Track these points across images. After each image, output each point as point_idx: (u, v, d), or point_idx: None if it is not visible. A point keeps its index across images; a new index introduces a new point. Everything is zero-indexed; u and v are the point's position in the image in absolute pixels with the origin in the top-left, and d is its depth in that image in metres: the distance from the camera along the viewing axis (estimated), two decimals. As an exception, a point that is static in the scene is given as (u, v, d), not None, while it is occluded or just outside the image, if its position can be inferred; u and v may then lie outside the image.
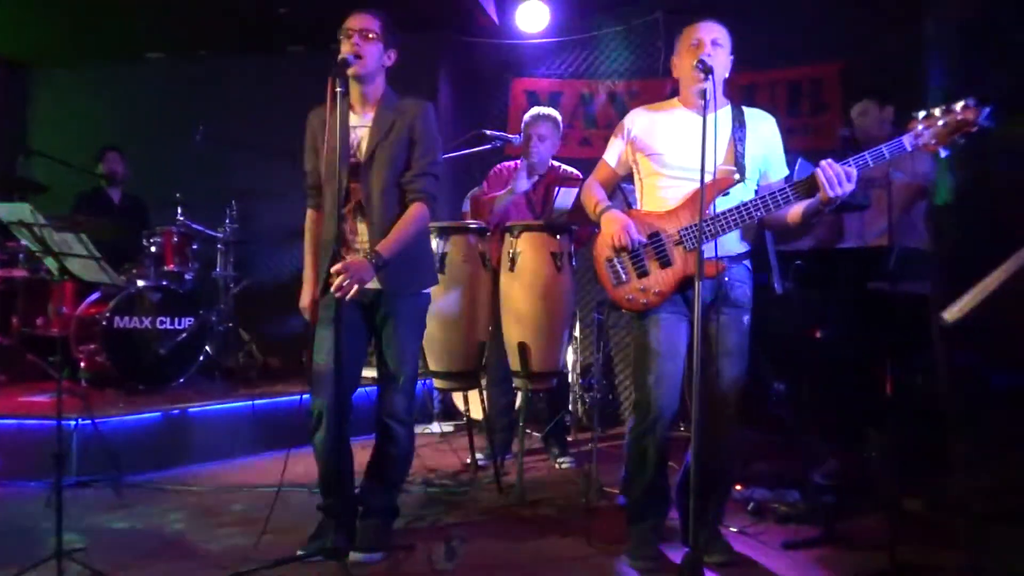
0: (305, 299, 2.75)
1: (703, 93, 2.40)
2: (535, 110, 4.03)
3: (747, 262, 2.62)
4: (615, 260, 2.56)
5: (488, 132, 4.07)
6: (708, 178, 2.31)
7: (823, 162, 2.33)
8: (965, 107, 2.22)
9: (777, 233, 3.09)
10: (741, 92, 4.97)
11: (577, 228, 3.67)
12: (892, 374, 2.94)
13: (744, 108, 2.62)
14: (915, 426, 3.04)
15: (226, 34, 5.79)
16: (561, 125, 4.03)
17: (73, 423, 3.52)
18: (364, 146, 2.63)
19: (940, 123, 2.24)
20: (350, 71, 2.57)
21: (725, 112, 2.57)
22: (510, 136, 4.09)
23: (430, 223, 2.80)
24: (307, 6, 5.01)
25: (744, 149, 2.53)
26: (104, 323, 4.33)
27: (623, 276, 2.56)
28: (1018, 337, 2.84)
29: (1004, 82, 3.27)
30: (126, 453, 3.62)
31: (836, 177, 2.30)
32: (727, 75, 2.58)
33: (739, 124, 2.56)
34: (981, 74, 3.57)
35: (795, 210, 2.51)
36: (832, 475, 3.45)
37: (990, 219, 3.37)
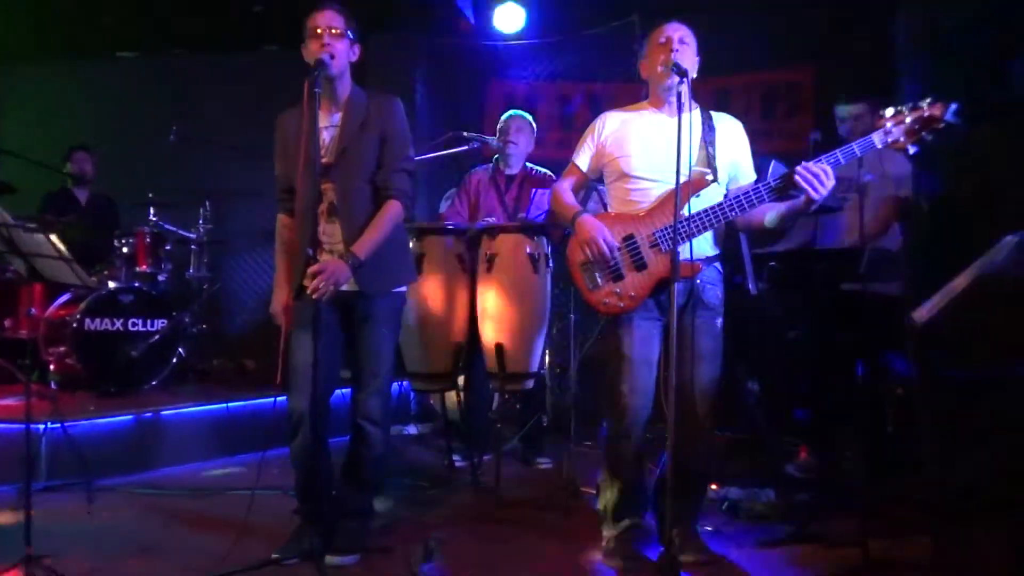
0: (276, 304, 2.72)
1: (672, 91, 2.44)
2: (509, 112, 4.09)
3: (718, 264, 2.64)
4: (590, 264, 2.57)
5: (465, 134, 4.09)
6: (682, 179, 2.33)
7: (798, 167, 2.34)
8: (932, 103, 2.27)
9: (753, 236, 3.12)
10: (717, 96, 5.03)
11: (553, 229, 3.68)
12: (864, 373, 2.99)
13: (712, 112, 2.65)
14: (886, 424, 3.10)
15: (199, 33, 5.73)
16: (535, 128, 4.08)
17: (42, 427, 3.46)
18: (334, 146, 2.60)
19: (908, 119, 2.28)
20: (324, 70, 2.55)
21: (695, 115, 2.60)
22: (487, 138, 4.11)
23: (407, 223, 2.79)
24: (282, 4, 4.98)
25: (715, 151, 2.55)
26: (75, 325, 4.27)
27: (598, 280, 2.56)
28: (984, 337, 2.89)
29: (969, 86, 3.35)
30: (97, 457, 3.56)
31: (815, 178, 2.31)
32: (694, 75, 2.60)
33: (709, 127, 2.59)
34: (948, 78, 3.65)
35: (772, 211, 2.52)
36: (805, 468, 3.50)
37: (957, 222, 3.44)
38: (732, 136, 2.63)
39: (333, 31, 2.55)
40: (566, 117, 5.52)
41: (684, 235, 2.43)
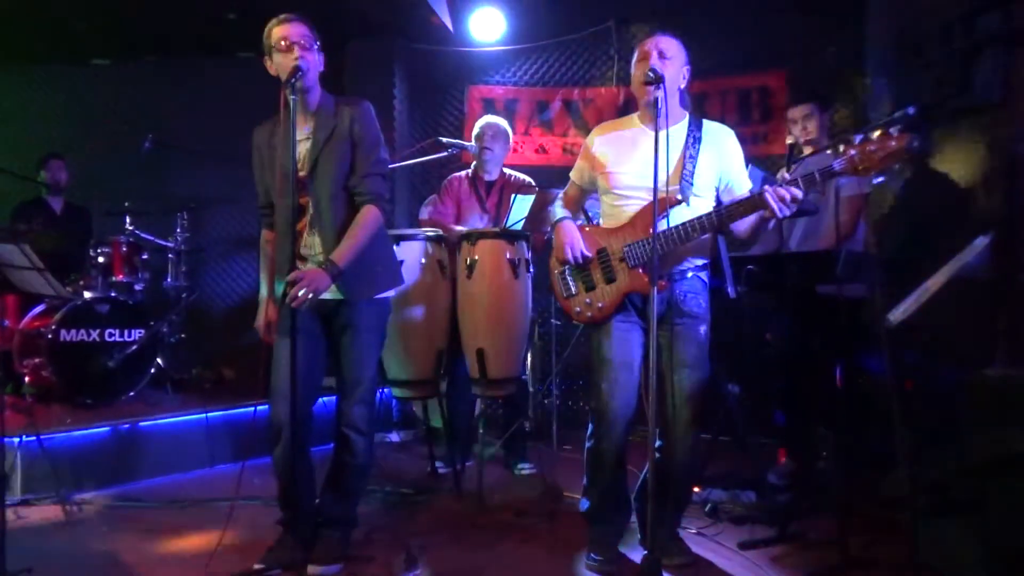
0: (260, 319, 2.72)
1: (654, 104, 2.43)
2: (484, 119, 4.12)
3: (703, 275, 2.64)
4: (565, 272, 2.68)
5: (444, 140, 4.11)
6: (660, 194, 2.36)
7: (767, 188, 2.35)
8: (890, 136, 2.25)
9: (732, 241, 3.14)
10: (694, 100, 5.07)
11: (533, 235, 3.70)
12: (841, 374, 3.03)
13: (704, 122, 2.64)
14: (862, 424, 3.14)
15: (174, 40, 5.69)
16: (511, 134, 4.11)
17: (17, 440, 3.41)
18: (308, 158, 2.59)
19: (871, 148, 2.26)
20: (298, 82, 2.53)
21: (680, 127, 2.59)
22: (466, 144, 4.13)
23: (388, 231, 2.78)
24: (256, 12, 4.95)
25: (695, 167, 2.54)
26: (49, 336, 4.21)
27: (572, 288, 2.67)
28: (957, 337, 2.95)
29: (935, 90, 3.41)
30: (73, 470, 3.53)
31: (784, 200, 2.34)
32: (681, 86, 2.61)
33: (694, 140, 2.57)
34: (915, 83, 3.72)
35: (744, 223, 2.54)
36: (786, 476, 3.54)
37: (922, 223, 3.50)
38: (722, 147, 2.62)
39: (303, 43, 2.53)
40: (544, 122, 5.54)
41: (649, 253, 2.44)
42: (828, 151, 2.40)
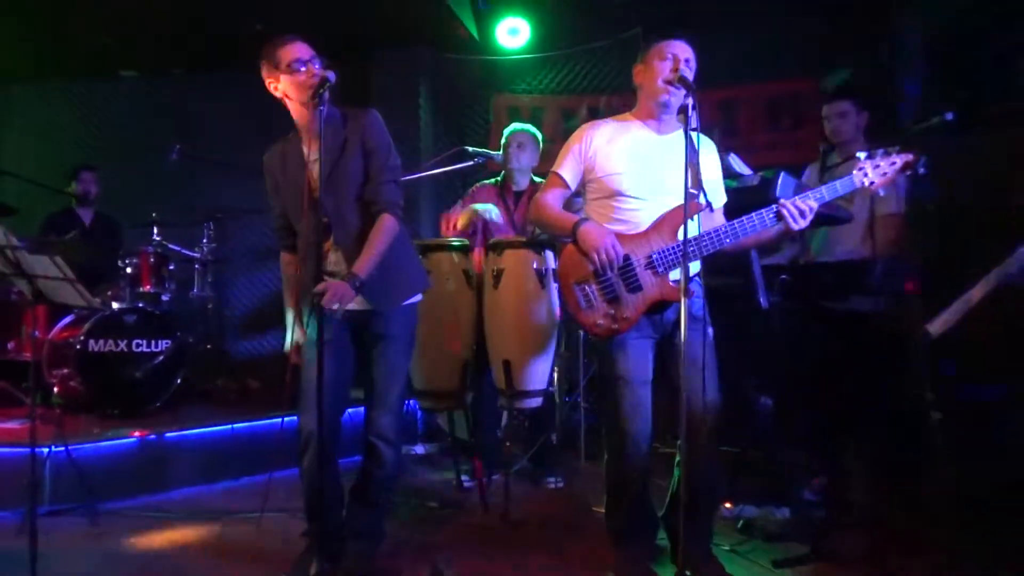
0: (289, 343, 2.74)
1: (670, 108, 2.46)
2: (515, 124, 4.10)
3: (698, 279, 2.63)
4: (585, 283, 2.53)
5: (470, 149, 4.11)
6: (676, 201, 2.38)
7: (783, 201, 2.42)
8: (901, 151, 2.40)
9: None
10: (723, 108, 5.05)
11: (560, 244, 3.69)
12: (876, 387, 2.99)
13: (692, 133, 2.64)
14: (895, 438, 3.09)
15: (201, 51, 5.78)
16: (541, 141, 4.08)
17: (46, 450, 3.46)
18: (320, 175, 2.55)
19: (881, 163, 2.42)
20: (308, 95, 2.54)
21: (679, 135, 2.59)
22: (492, 153, 4.13)
23: (412, 240, 2.79)
24: (284, 23, 5.03)
25: (700, 172, 2.53)
26: (78, 347, 4.28)
27: (593, 300, 2.53)
28: (1001, 348, 2.89)
29: (969, 93, 3.37)
30: (101, 480, 3.57)
31: (800, 213, 2.42)
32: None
33: (693, 148, 2.56)
34: (948, 84, 3.67)
35: (762, 236, 2.53)
36: (820, 491, 3.48)
37: (955, 231, 3.45)
38: (710, 157, 2.63)
39: (316, 60, 2.56)
40: (571, 131, 5.54)
41: (680, 261, 2.42)
42: (854, 169, 2.43)
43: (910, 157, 2.39)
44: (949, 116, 2.45)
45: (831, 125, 3.59)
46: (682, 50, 2.52)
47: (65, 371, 4.38)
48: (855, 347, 3.23)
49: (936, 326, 2.30)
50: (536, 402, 3.55)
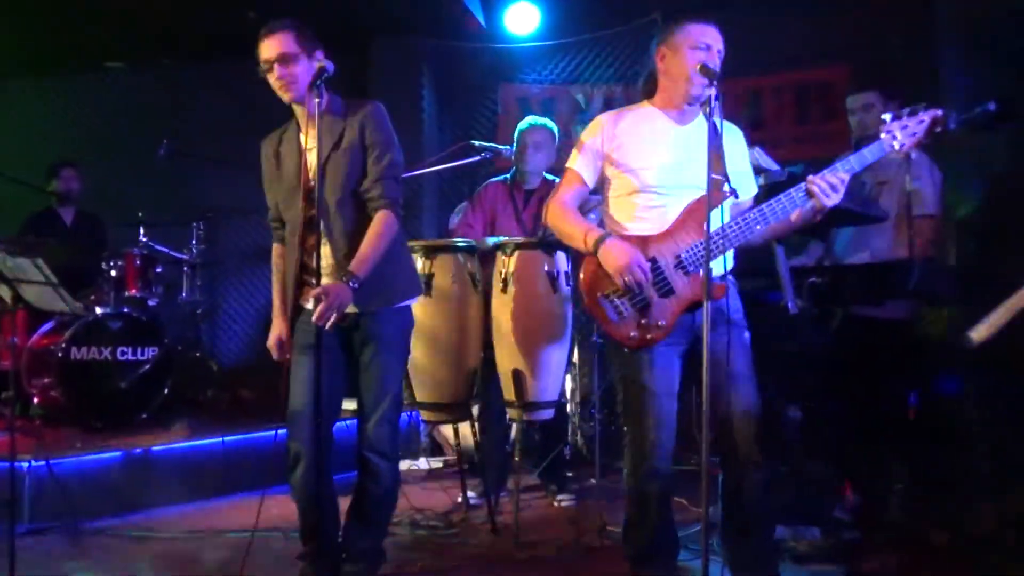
0: (272, 337, 2.75)
1: (696, 98, 2.46)
2: (531, 118, 4.07)
3: (732, 277, 2.62)
4: (611, 295, 2.49)
5: (476, 143, 4.10)
6: (698, 193, 2.37)
7: (810, 177, 2.41)
8: (928, 108, 2.39)
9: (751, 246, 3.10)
10: (747, 98, 5.04)
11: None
12: (914, 397, 2.97)
13: (714, 119, 2.61)
14: (938, 453, 3.07)
15: (191, 41, 5.82)
16: (557, 137, 4.06)
17: (26, 465, 3.48)
18: (315, 166, 2.58)
19: (909, 124, 2.40)
20: (286, 97, 2.58)
21: (701, 122, 2.56)
22: (500, 147, 4.12)
23: (415, 242, 2.80)
24: (278, 9, 5.05)
25: (724, 159, 2.50)
26: (59, 355, 4.30)
27: (623, 311, 2.49)
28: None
29: (1013, 79, 3.35)
30: (84, 497, 3.59)
31: (830, 186, 2.40)
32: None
33: (715, 133, 2.55)
34: (990, 71, 3.65)
35: (788, 222, 2.52)
36: (853, 510, 3.47)
37: (1007, 232, 3.42)
38: (735, 146, 2.61)
39: (289, 60, 2.54)
40: (585, 123, 5.54)
41: (716, 250, 2.41)
42: (882, 134, 2.43)
43: (939, 113, 2.38)
44: (991, 107, 2.43)
45: (856, 119, 3.59)
46: (715, 39, 2.50)
47: (46, 380, 4.41)
48: (890, 355, 3.22)
49: (977, 333, 2.28)
50: (547, 414, 3.55)
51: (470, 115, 5.68)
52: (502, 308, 3.46)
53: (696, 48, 2.48)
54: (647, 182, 2.53)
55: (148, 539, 3.43)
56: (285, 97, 2.60)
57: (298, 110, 2.66)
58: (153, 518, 3.72)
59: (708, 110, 2.38)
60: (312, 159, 2.58)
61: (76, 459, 3.72)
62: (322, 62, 2.52)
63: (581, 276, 2.58)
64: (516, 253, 3.46)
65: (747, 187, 2.65)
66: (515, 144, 4.02)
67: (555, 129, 4.05)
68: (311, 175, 2.59)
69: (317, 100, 2.47)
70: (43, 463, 3.49)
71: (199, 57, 6.03)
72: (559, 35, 5.52)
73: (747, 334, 2.59)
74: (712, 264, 2.45)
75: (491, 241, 3.77)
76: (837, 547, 3.06)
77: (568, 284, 3.53)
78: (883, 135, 2.43)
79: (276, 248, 2.84)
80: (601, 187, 2.68)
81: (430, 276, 3.44)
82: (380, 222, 2.60)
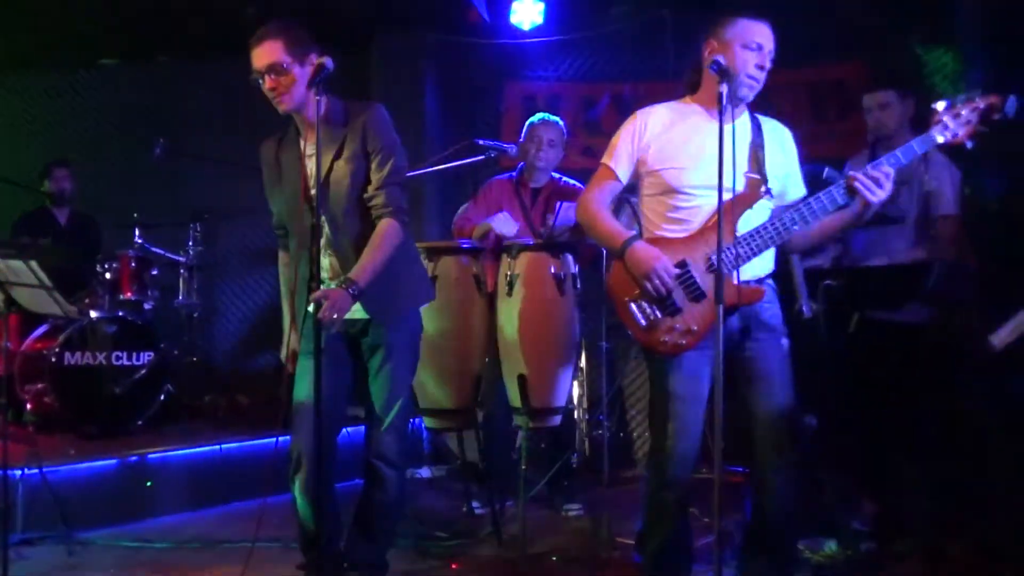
0: (285, 349, 2.76)
1: (742, 98, 2.46)
2: (542, 114, 4.07)
3: (772, 281, 2.62)
4: (640, 299, 2.49)
5: (480, 142, 4.10)
6: (734, 194, 2.35)
7: (850, 174, 2.38)
8: (984, 95, 2.33)
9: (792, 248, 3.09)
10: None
11: (581, 246, 3.69)
12: (933, 405, 2.96)
13: (759, 117, 2.62)
14: (958, 462, 3.07)
15: (188, 37, 5.83)
16: (566, 133, 4.07)
17: (18, 473, 3.48)
18: (315, 175, 2.58)
19: (964, 112, 2.35)
20: (280, 108, 2.58)
21: (744, 120, 2.57)
22: (504, 145, 4.13)
23: (417, 243, 2.81)
24: (277, 4, 5.06)
25: (764, 158, 2.53)
26: (53, 359, 4.32)
27: (653, 316, 2.48)
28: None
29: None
30: (78, 506, 3.60)
31: (875, 182, 2.35)
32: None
33: (757, 130, 2.56)
34: (1015, 69, 3.64)
35: (827, 223, 2.51)
36: (871, 520, 3.46)
37: (1022, 231, 3.41)
38: (781, 144, 2.60)
39: (279, 70, 2.52)
40: (591, 121, 5.56)
41: (744, 256, 2.42)
42: (932, 123, 2.40)
43: (994, 99, 2.32)
44: (1012, 102, 2.41)
45: (872, 117, 3.58)
46: (767, 38, 2.48)
47: (39, 386, 4.42)
48: (908, 360, 3.21)
49: (999, 338, 2.28)
50: (555, 421, 3.55)
51: (474, 113, 5.68)
52: (507, 312, 3.46)
53: (747, 48, 2.45)
54: (681, 182, 2.50)
55: (144, 549, 3.43)
56: (279, 108, 2.58)
57: (296, 116, 2.66)
58: (149, 527, 3.73)
59: (720, 106, 2.36)
60: (312, 167, 2.57)
61: (70, 467, 3.72)
62: (320, 60, 2.52)
63: (610, 280, 2.58)
64: (521, 255, 3.46)
65: (794, 188, 2.62)
66: (523, 137, 4.03)
67: (563, 127, 4.06)
68: (312, 184, 2.59)
69: (317, 99, 2.47)
70: (36, 471, 3.50)
71: (196, 54, 6.04)
72: (565, 31, 5.52)
73: (785, 340, 2.57)
74: (749, 266, 2.46)
75: (485, 224, 3.76)
76: (854, 558, 3.06)
77: (576, 287, 3.53)
78: (934, 125, 2.38)
79: (283, 256, 2.85)
80: (637, 184, 2.65)
81: (433, 279, 3.44)
82: (383, 230, 2.60)
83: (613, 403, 4.44)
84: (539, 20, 5.40)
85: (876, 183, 2.34)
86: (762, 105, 2.65)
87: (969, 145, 2.38)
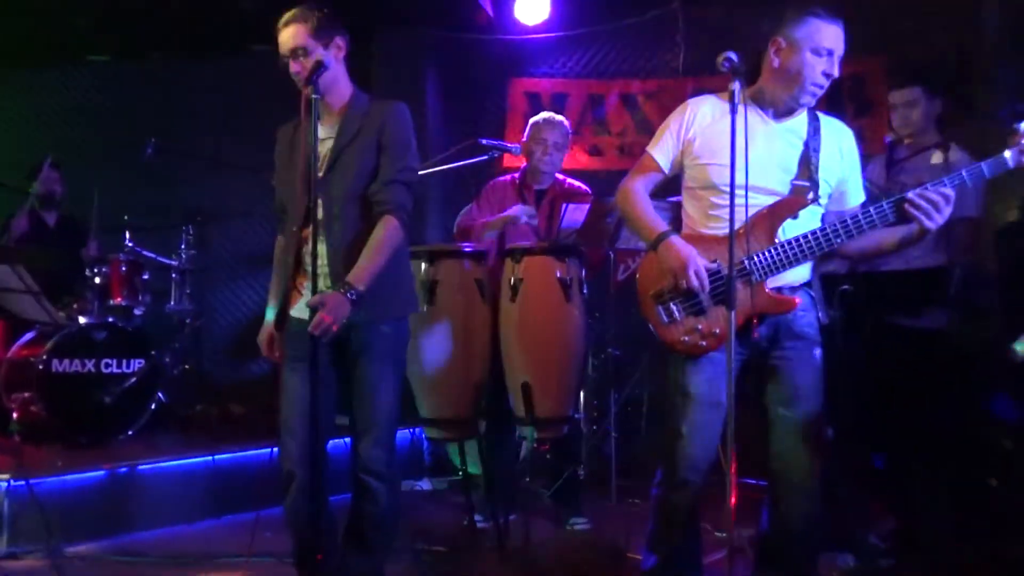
0: (263, 332, 2.79)
1: (803, 105, 2.47)
2: (546, 114, 4.08)
3: (810, 290, 2.59)
4: (666, 293, 2.51)
5: (484, 141, 4.12)
6: (776, 197, 2.40)
7: (910, 193, 2.34)
8: None
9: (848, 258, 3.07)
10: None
11: (588, 250, 3.70)
12: (958, 417, 2.96)
13: (822, 116, 2.58)
14: (974, 474, 3.07)
15: (181, 32, 5.85)
16: (570, 134, 4.09)
17: (4, 484, 3.51)
18: (327, 158, 2.65)
19: None
20: (305, 92, 2.59)
21: (801, 120, 2.55)
22: (509, 145, 4.15)
23: (417, 247, 2.82)
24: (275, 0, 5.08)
25: (819, 162, 2.50)
26: (40, 367, 4.33)
27: (676, 314, 2.50)
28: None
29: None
30: (66, 519, 3.61)
31: (933, 206, 2.31)
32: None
33: (814, 132, 2.53)
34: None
35: (883, 238, 2.49)
36: (888, 535, 3.46)
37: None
38: (841, 147, 2.57)
39: (302, 53, 2.59)
40: (599, 120, 5.56)
41: (781, 263, 2.43)
42: (935, 152, 2.39)
43: None
44: None
45: (898, 115, 3.58)
46: (838, 41, 2.45)
47: (25, 395, 4.43)
48: (928, 368, 3.21)
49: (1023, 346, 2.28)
50: (560, 431, 3.56)
51: (476, 111, 5.69)
52: (511, 318, 3.47)
53: (817, 53, 2.43)
54: (723, 178, 2.45)
55: (134, 564, 3.44)
56: (305, 90, 2.60)
57: (318, 102, 2.68)
58: (139, 541, 3.74)
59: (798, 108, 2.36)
60: (322, 149, 2.63)
61: (58, 478, 3.74)
62: (320, 56, 2.56)
63: (639, 271, 2.60)
64: (526, 259, 3.47)
65: (853, 194, 2.61)
66: (527, 137, 4.04)
67: (568, 126, 4.07)
68: (320, 166, 2.63)
69: (314, 97, 2.50)
70: (23, 483, 3.51)
71: (190, 51, 6.06)
72: (572, 26, 5.53)
73: (819, 351, 2.56)
74: (787, 274, 2.47)
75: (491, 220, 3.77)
76: (872, 574, 3.06)
77: (582, 292, 3.54)
78: (1012, 148, 2.30)
79: (279, 240, 2.86)
80: (680, 174, 2.65)
81: (434, 283, 3.46)
82: (384, 229, 2.61)
83: (621, 413, 4.44)
84: (545, 15, 5.41)
85: (935, 207, 2.31)
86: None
87: (952, 156, 2.35)
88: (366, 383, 2.68)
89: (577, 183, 4.11)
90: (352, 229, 2.64)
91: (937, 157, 3.32)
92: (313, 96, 2.51)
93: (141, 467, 4.01)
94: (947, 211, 2.32)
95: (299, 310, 2.63)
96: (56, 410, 4.37)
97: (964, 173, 2.34)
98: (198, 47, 6.01)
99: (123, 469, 3.95)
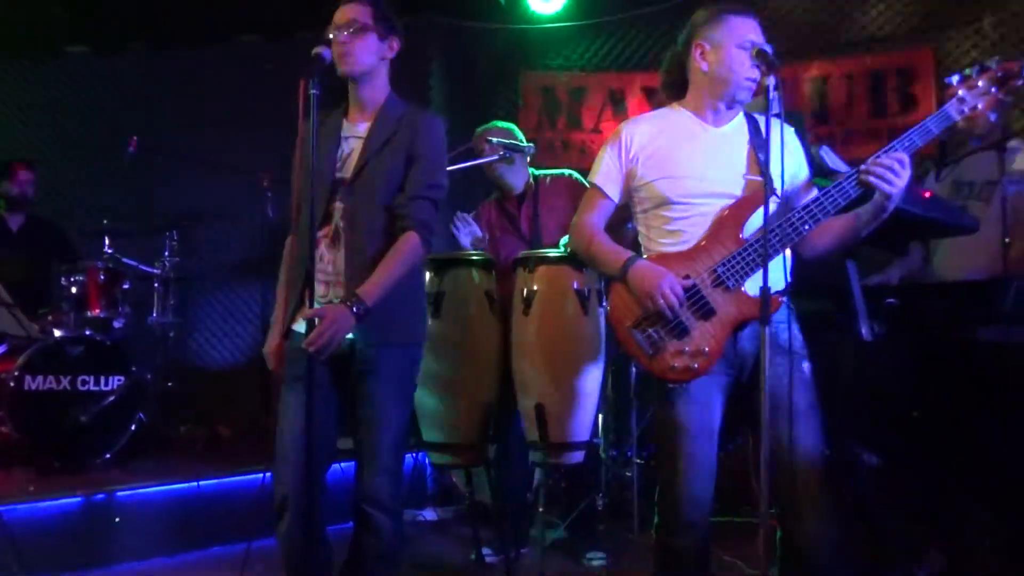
0: (271, 342, 2.80)
1: (741, 102, 2.57)
2: (483, 126, 4.17)
3: (787, 299, 2.62)
4: (643, 325, 2.54)
5: (494, 140, 4.14)
6: (724, 201, 2.46)
7: (862, 167, 2.43)
8: (1000, 61, 2.42)
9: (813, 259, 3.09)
10: (812, 86, 5.05)
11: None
12: (1005, 439, 2.95)
13: (756, 116, 2.67)
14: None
15: (164, 22, 5.89)
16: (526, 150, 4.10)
17: (-28, 512, 3.54)
18: (354, 161, 2.70)
19: (980, 83, 2.42)
20: (340, 68, 2.66)
21: (738, 122, 2.66)
22: (523, 145, 4.17)
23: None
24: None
25: (767, 158, 2.52)
26: (11, 384, 4.35)
27: (659, 342, 2.53)
28: None
29: None
30: (38, 549, 3.63)
31: (888, 170, 2.39)
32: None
33: (755, 131, 2.64)
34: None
35: (840, 223, 2.54)
36: (938, 570, 3.44)
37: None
38: (785, 140, 2.59)
39: (354, 28, 2.65)
40: (619, 114, 5.58)
41: (754, 262, 2.47)
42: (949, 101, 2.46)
43: (1011, 64, 2.40)
44: None
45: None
46: (759, 35, 2.56)
47: (-5, 414, 4.47)
48: (981, 389, 3.20)
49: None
50: (576, 457, 3.55)
51: (487, 106, 5.71)
52: (524, 333, 3.48)
53: (742, 48, 2.54)
54: (675, 191, 2.59)
55: (112, 600, 3.47)
56: (341, 68, 2.68)
57: (350, 94, 2.77)
58: (118, 574, 3.75)
59: (766, 102, 2.41)
60: (348, 149, 2.71)
61: (29, 505, 3.76)
62: (318, 50, 2.59)
63: (610, 306, 2.63)
64: (540, 268, 3.48)
65: (804, 188, 2.69)
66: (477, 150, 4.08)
67: (522, 140, 4.11)
68: (341, 165, 2.70)
69: (313, 92, 2.53)
70: (-8, 510, 3.54)
71: (173, 44, 6.10)
72: (590, 15, 5.56)
73: (807, 364, 2.60)
74: (762, 274, 2.45)
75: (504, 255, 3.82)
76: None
77: (601, 304, 3.54)
78: (950, 102, 2.45)
79: (290, 240, 2.88)
80: (629, 202, 2.73)
81: (440, 295, 3.47)
82: (404, 245, 2.65)
83: (643, 438, 4.44)
84: (560, 2, 5.44)
85: (890, 171, 2.38)
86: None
87: (993, 118, 2.43)
88: (372, 405, 2.69)
89: (558, 171, 4.17)
90: (371, 242, 2.67)
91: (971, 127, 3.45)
92: (312, 92, 2.53)
93: (120, 493, 4.02)
94: (905, 175, 2.39)
95: (300, 323, 2.65)
96: (28, 431, 4.39)
97: (913, 134, 2.44)
98: (183, 40, 6.04)
99: (100, 496, 3.96)
